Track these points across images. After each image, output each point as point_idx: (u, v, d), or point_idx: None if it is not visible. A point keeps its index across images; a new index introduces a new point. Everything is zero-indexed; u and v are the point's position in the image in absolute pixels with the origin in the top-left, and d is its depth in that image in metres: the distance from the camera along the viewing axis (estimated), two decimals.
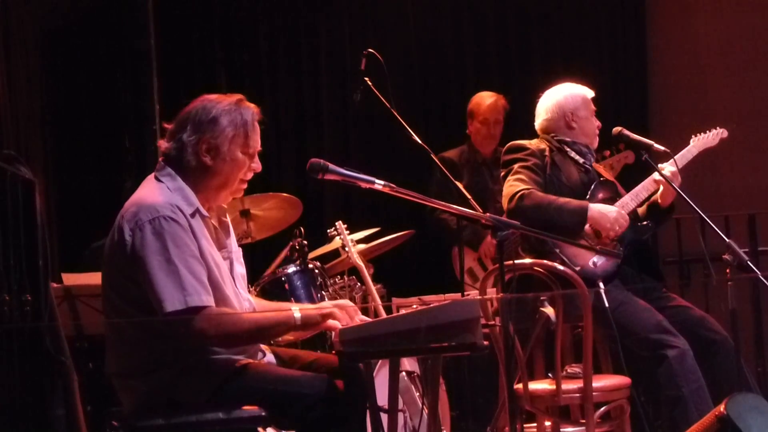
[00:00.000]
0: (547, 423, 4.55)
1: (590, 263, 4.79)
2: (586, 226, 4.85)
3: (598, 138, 5.20)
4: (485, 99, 6.78)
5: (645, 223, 5.07)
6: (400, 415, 4.80)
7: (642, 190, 5.03)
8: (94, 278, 5.20)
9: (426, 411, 4.05)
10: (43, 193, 5.40)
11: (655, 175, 4.98)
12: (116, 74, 6.73)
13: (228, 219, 3.84)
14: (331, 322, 3.62)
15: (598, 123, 5.18)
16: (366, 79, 4.90)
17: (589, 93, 5.19)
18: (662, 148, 4.92)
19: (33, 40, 6.90)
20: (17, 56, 6.54)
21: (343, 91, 7.39)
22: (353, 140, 7.50)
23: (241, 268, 3.82)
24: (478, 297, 4.37)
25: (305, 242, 5.30)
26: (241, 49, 7.52)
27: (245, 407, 3.48)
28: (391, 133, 5.44)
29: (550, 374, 4.48)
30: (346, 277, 5.60)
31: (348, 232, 5.52)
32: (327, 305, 3.77)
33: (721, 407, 4.08)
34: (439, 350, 3.42)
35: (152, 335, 3.51)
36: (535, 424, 4.62)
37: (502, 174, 5.09)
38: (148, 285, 3.43)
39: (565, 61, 7.37)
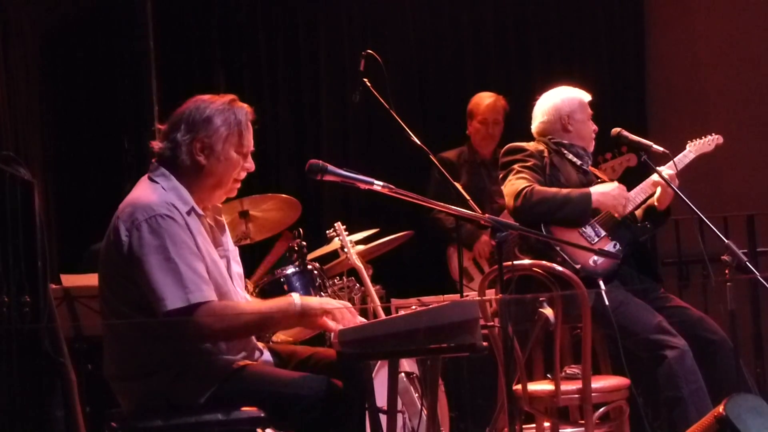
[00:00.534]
0: (546, 424, 4.55)
1: (591, 262, 4.79)
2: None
3: (594, 141, 5.21)
4: (484, 99, 6.78)
5: (643, 224, 5.07)
6: (399, 416, 4.80)
7: (640, 192, 5.04)
8: (93, 280, 5.17)
9: (425, 412, 4.04)
10: (41, 194, 5.40)
11: (654, 177, 4.98)
12: (115, 75, 6.74)
13: (223, 218, 3.84)
14: (328, 321, 3.61)
15: (594, 126, 5.19)
16: (365, 80, 4.90)
17: (586, 96, 5.19)
18: (661, 149, 4.93)
19: (32, 41, 6.90)
20: (16, 57, 6.54)
21: (342, 91, 7.39)
22: (352, 141, 7.50)
23: (238, 268, 3.82)
24: (477, 298, 4.37)
25: (304, 243, 5.29)
26: (240, 50, 7.52)
27: (244, 409, 3.47)
28: (390, 134, 5.45)
29: (549, 375, 4.48)
30: (345, 278, 5.60)
31: (347, 233, 5.52)
32: (332, 302, 3.76)
33: (720, 408, 4.09)
34: (438, 351, 3.42)
35: (150, 337, 3.51)
36: (534, 425, 4.62)
37: (501, 175, 5.10)
38: (147, 284, 3.42)
39: (565, 63, 7.37)
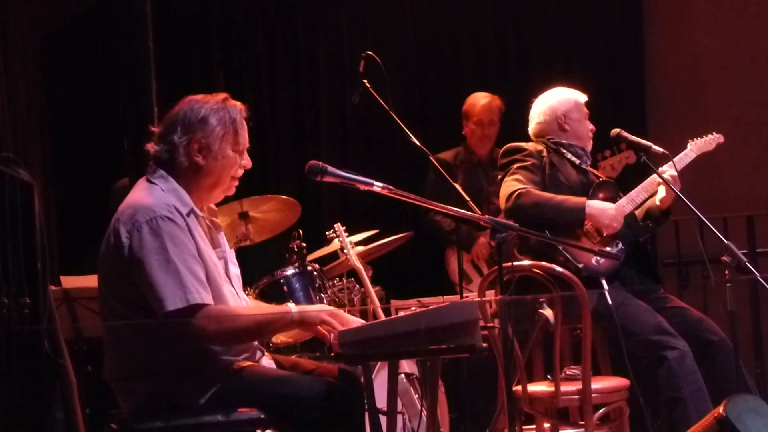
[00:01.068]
0: (546, 425, 4.55)
1: (593, 261, 4.79)
2: (587, 224, 4.85)
3: (591, 141, 5.21)
4: (479, 100, 6.75)
5: (644, 224, 5.07)
6: (399, 418, 4.80)
7: (641, 192, 5.04)
8: (93, 281, 5.17)
9: (425, 413, 4.04)
10: (41, 195, 5.40)
11: (655, 178, 4.98)
12: (114, 77, 6.72)
13: (218, 220, 3.85)
14: (322, 329, 3.62)
15: (591, 126, 5.19)
16: (364, 81, 4.90)
17: (582, 97, 5.20)
18: (660, 149, 4.93)
19: (31, 43, 6.91)
20: (16, 59, 6.54)
21: (341, 93, 7.39)
22: (352, 142, 7.50)
23: (235, 269, 3.83)
24: (477, 299, 4.37)
25: (304, 244, 5.29)
26: (239, 52, 7.52)
27: (244, 410, 3.47)
28: (390, 134, 5.45)
29: (549, 376, 4.48)
30: (344, 279, 5.60)
31: (346, 234, 5.52)
32: (325, 308, 3.77)
33: (720, 409, 4.09)
34: (437, 352, 3.42)
35: (150, 338, 3.51)
36: (534, 426, 4.62)
37: (500, 176, 5.09)
38: (147, 285, 3.43)
39: (564, 63, 7.38)
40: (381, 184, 3.66)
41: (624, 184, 5.16)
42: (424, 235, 6.69)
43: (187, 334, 3.44)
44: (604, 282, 4.69)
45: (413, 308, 4.25)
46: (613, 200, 4.99)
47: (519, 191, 4.82)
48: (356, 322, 3.67)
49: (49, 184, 6.97)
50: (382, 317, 5.10)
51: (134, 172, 5.08)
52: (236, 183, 3.78)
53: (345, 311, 3.72)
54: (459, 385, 5.89)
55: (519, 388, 4.34)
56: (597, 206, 4.87)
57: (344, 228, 5.54)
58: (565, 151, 5.09)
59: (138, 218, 3.48)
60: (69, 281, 5.30)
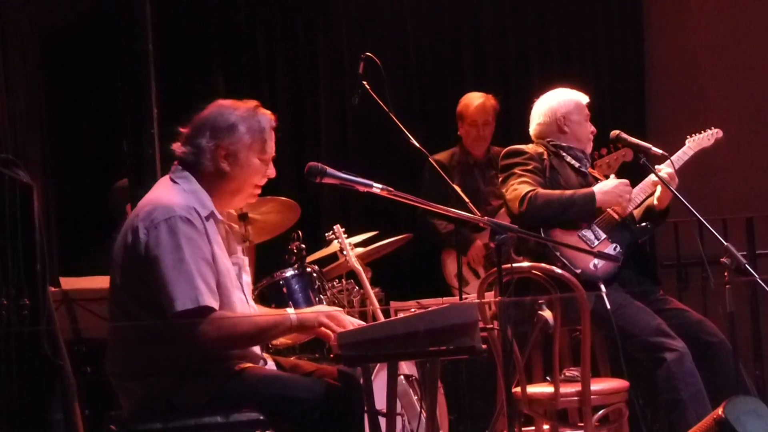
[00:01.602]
0: (546, 426, 4.55)
1: (591, 266, 4.79)
2: (609, 210, 4.86)
3: (592, 143, 5.21)
4: (473, 100, 6.70)
5: (643, 225, 5.07)
6: (399, 419, 4.80)
7: (639, 192, 5.04)
8: (93, 282, 5.21)
9: (424, 415, 4.04)
10: (41, 196, 5.40)
11: (653, 177, 4.99)
12: (114, 77, 6.72)
13: (236, 227, 3.86)
14: (325, 330, 3.63)
15: (592, 128, 5.18)
16: (364, 82, 4.91)
17: (583, 98, 5.19)
18: (660, 151, 4.93)
19: (31, 44, 6.91)
20: (15, 60, 6.54)
21: (341, 94, 7.39)
22: (351, 144, 7.50)
23: (247, 277, 3.84)
24: (476, 300, 4.38)
25: (303, 246, 5.29)
26: (239, 53, 7.52)
27: (243, 411, 3.47)
28: (389, 136, 5.45)
29: (548, 377, 4.49)
30: (344, 281, 5.60)
31: (346, 235, 5.52)
32: (323, 309, 3.78)
33: (719, 410, 4.09)
34: (437, 354, 3.43)
35: (153, 338, 3.52)
36: (533, 428, 4.63)
37: (501, 179, 5.09)
38: (159, 283, 3.44)
39: (563, 64, 7.38)
40: (380, 186, 3.66)
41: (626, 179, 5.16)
42: (423, 236, 6.69)
43: (189, 338, 3.45)
44: (602, 285, 4.69)
45: (412, 310, 4.25)
46: (603, 181, 5.01)
47: (530, 194, 4.82)
48: (354, 323, 3.68)
49: (48, 186, 6.97)
50: (382, 319, 5.10)
51: (134, 173, 5.08)
52: (259, 191, 3.80)
53: (344, 312, 3.73)
54: (458, 387, 5.89)
55: (518, 389, 4.34)
56: (601, 190, 4.89)
57: (343, 229, 5.54)
58: (564, 154, 5.10)
59: (156, 216, 3.49)
60: (68, 282, 5.30)
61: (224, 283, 3.58)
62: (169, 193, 3.61)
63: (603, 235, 4.92)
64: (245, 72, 7.52)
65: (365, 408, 3.68)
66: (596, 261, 4.81)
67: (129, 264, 3.54)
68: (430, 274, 6.83)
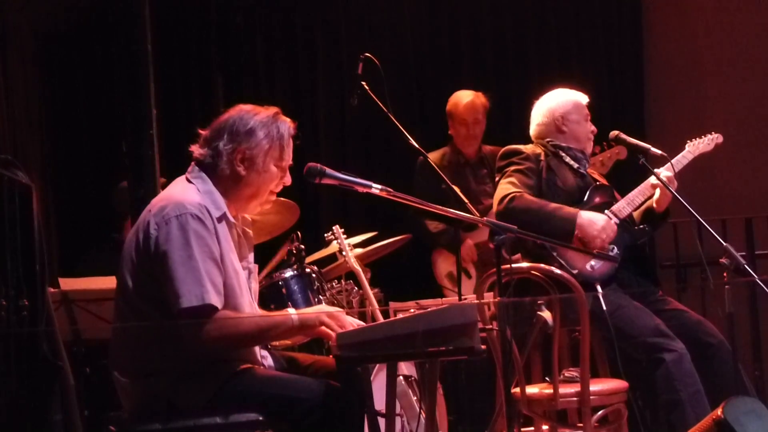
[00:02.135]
0: (545, 427, 4.55)
1: (588, 267, 4.79)
2: (577, 234, 4.83)
3: (592, 143, 5.20)
4: (463, 99, 6.64)
5: (641, 227, 5.07)
6: (398, 420, 4.80)
7: (638, 194, 5.03)
8: (92, 283, 5.21)
9: (423, 415, 4.04)
10: (40, 197, 5.39)
11: (652, 180, 4.98)
12: (113, 79, 6.73)
13: (251, 232, 3.86)
14: (326, 330, 3.63)
15: (593, 128, 5.18)
16: (363, 83, 4.90)
17: (583, 98, 5.19)
18: (659, 151, 4.93)
19: (30, 45, 6.90)
20: (14, 61, 6.54)
21: (340, 95, 7.39)
22: (350, 144, 7.50)
23: (255, 284, 3.85)
24: (476, 301, 4.37)
25: (302, 246, 5.29)
26: (238, 54, 7.52)
27: (243, 412, 3.47)
28: (388, 136, 5.45)
29: (547, 378, 4.48)
30: (343, 282, 5.60)
31: (345, 236, 5.52)
32: (324, 308, 3.78)
33: (719, 411, 4.09)
34: (436, 354, 3.42)
35: (156, 338, 3.54)
36: (532, 428, 4.62)
37: (497, 179, 5.09)
38: (166, 278, 3.45)
39: (563, 64, 7.38)
40: (379, 186, 3.66)
41: (620, 188, 5.16)
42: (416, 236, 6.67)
43: (189, 337, 3.45)
44: (598, 287, 4.69)
45: (412, 310, 4.24)
46: (609, 204, 4.99)
47: (513, 195, 4.81)
48: (354, 323, 3.68)
49: (47, 186, 6.96)
50: (381, 319, 5.10)
51: (133, 173, 5.08)
52: (273, 197, 3.81)
53: (344, 313, 3.73)
54: (457, 387, 5.90)
55: (517, 390, 4.34)
56: (588, 218, 4.84)
57: (343, 230, 5.54)
58: (563, 154, 5.09)
59: (168, 212, 3.51)
60: (67, 283, 5.30)
61: (231, 285, 3.58)
62: (184, 191, 3.62)
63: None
64: (244, 73, 7.52)
65: (364, 409, 3.67)
66: (593, 262, 4.81)
67: (139, 260, 3.56)
68: (430, 274, 6.83)
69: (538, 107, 5.22)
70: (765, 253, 6.65)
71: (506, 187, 4.88)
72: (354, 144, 7.48)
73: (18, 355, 4.03)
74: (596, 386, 4.37)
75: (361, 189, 3.68)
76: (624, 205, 4.98)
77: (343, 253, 5.46)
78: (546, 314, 4.06)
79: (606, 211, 4.94)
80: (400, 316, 3.69)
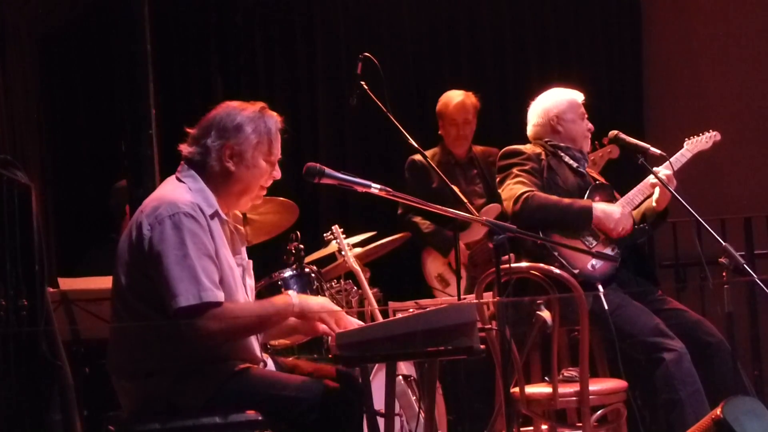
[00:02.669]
0: (544, 426, 4.55)
1: (588, 266, 4.80)
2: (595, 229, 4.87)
3: (590, 141, 5.21)
4: (453, 99, 6.57)
5: (641, 226, 5.07)
6: (397, 420, 4.80)
7: (637, 194, 5.03)
8: (91, 283, 5.21)
9: (423, 415, 4.04)
10: (39, 197, 5.39)
11: (651, 179, 4.98)
12: (112, 79, 6.73)
13: (242, 229, 3.87)
14: (325, 327, 3.63)
15: (589, 126, 5.18)
16: (362, 83, 4.90)
17: (578, 96, 5.18)
18: (658, 151, 4.93)
19: (29, 45, 6.90)
20: (13, 61, 6.53)
21: (339, 94, 7.38)
22: (349, 144, 7.50)
23: (250, 280, 3.85)
24: (475, 301, 4.37)
25: (301, 246, 5.29)
26: (237, 54, 7.52)
27: (242, 412, 3.47)
28: (387, 136, 5.45)
29: (546, 378, 4.48)
30: (342, 281, 5.60)
31: (344, 236, 5.52)
32: (327, 304, 3.77)
33: (718, 410, 4.09)
34: (435, 354, 3.43)
35: (155, 338, 3.53)
36: (531, 428, 4.63)
37: (498, 179, 5.09)
38: (162, 279, 3.44)
39: (561, 63, 7.39)
40: (379, 186, 3.66)
41: (619, 188, 5.16)
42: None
43: (190, 334, 3.45)
44: (599, 286, 4.70)
45: (411, 310, 4.24)
46: (609, 203, 4.99)
47: (527, 194, 4.82)
48: (354, 323, 3.68)
49: (47, 186, 6.96)
50: (380, 319, 5.10)
51: (132, 173, 5.08)
52: (264, 192, 3.81)
53: (344, 313, 3.73)
54: (457, 387, 5.90)
55: (517, 389, 4.34)
56: (602, 209, 4.88)
57: (342, 230, 5.54)
58: (563, 154, 5.09)
59: (161, 212, 3.51)
60: (66, 283, 5.30)
61: (227, 281, 3.58)
62: (175, 190, 3.62)
63: (602, 237, 4.93)
64: (243, 72, 7.52)
65: (364, 409, 3.67)
66: (594, 261, 4.81)
67: (133, 260, 3.55)
68: None
69: (533, 108, 5.22)
70: (764, 253, 6.66)
71: (516, 187, 4.89)
72: (353, 144, 7.48)
73: (17, 355, 4.03)
74: (595, 386, 4.37)
75: (360, 189, 3.68)
76: (623, 205, 4.98)
77: (342, 252, 5.45)
78: (545, 314, 4.06)
79: (621, 200, 4.97)
80: (399, 315, 3.69)
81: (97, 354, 4.53)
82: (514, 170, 4.99)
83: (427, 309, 3.56)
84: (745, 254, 5.93)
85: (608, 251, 4.90)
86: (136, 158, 5.03)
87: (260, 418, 3.47)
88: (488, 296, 4.51)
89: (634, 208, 5.05)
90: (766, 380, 6.19)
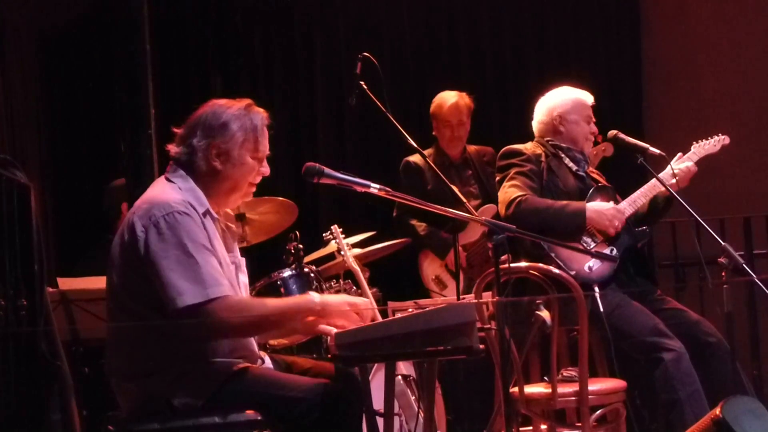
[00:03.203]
0: (543, 426, 4.55)
1: (585, 267, 4.80)
2: (589, 227, 4.86)
3: (591, 144, 5.20)
4: (447, 100, 6.52)
5: (641, 228, 5.07)
6: (396, 419, 4.80)
7: (640, 196, 5.03)
8: (90, 283, 5.21)
9: (422, 415, 4.04)
10: (38, 197, 5.40)
11: (655, 182, 4.97)
12: (112, 78, 6.73)
13: (233, 227, 3.87)
14: (324, 327, 3.62)
15: (593, 129, 5.16)
16: (361, 82, 4.90)
17: (587, 98, 5.17)
18: (657, 151, 4.93)
19: (28, 44, 6.90)
20: (12, 60, 6.53)
21: (338, 94, 7.39)
22: (349, 144, 7.50)
23: (244, 277, 3.84)
24: (474, 300, 4.37)
25: (301, 246, 5.29)
26: (236, 53, 7.52)
27: (241, 412, 3.47)
28: (387, 136, 5.45)
29: (545, 378, 4.48)
30: (341, 281, 5.59)
31: (343, 236, 5.52)
32: (347, 298, 3.75)
33: (717, 410, 4.09)
34: (434, 354, 3.43)
35: (153, 338, 3.52)
36: (531, 428, 4.63)
37: (498, 179, 5.09)
38: (163, 279, 3.43)
39: (561, 64, 7.38)
40: (378, 186, 3.66)
41: (620, 188, 5.16)
42: (400, 238, 6.60)
43: (207, 328, 3.44)
44: (596, 287, 4.70)
45: (410, 310, 4.24)
46: (601, 202, 4.99)
47: (519, 198, 4.81)
48: (377, 317, 3.68)
49: (46, 186, 6.96)
50: (379, 319, 5.10)
51: (131, 173, 5.08)
52: (254, 189, 3.80)
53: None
54: (456, 387, 5.90)
55: (516, 389, 4.34)
56: (594, 209, 4.87)
57: (341, 230, 5.54)
58: (563, 155, 5.09)
59: (154, 213, 3.50)
60: (66, 283, 5.30)
61: (225, 276, 3.57)
62: (166, 191, 3.62)
63: (600, 238, 4.92)
64: (243, 72, 7.52)
65: (363, 408, 3.67)
66: (591, 263, 4.81)
67: (128, 262, 3.54)
68: None
69: (539, 104, 5.21)
70: (763, 253, 6.66)
71: (511, 190, 4.88)
72: (352, 143, 7.48)
73: (16, 355, 4.02)
74: (595, 386, 4.37)
75: (359, 188, 3.68)
76: (626, 207, 4.98)
77: (342, 252, 5.45)
78: (544, 314, 4.06)
79: (624, 201, 4.97)
80: (398, 315, 3.69)
81: (96, 354, 4.53)
82: (512, 172, 4.99)
83: (427, 309, 3.55)
84: (744, 254, 5.92)
85: (607, 252, 4.90)
86: (135, 158, 5.04)
87: (260, 418, 3.47)
88: (487, 296, 4.51)
89: (637, 210, 5.04)
90: (765, 380, 6.19)
